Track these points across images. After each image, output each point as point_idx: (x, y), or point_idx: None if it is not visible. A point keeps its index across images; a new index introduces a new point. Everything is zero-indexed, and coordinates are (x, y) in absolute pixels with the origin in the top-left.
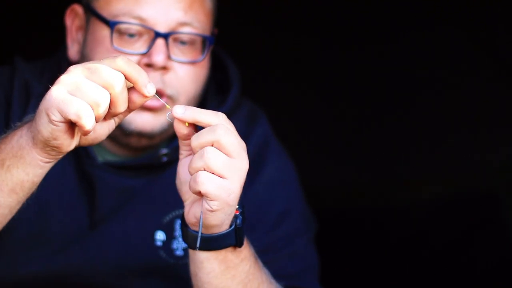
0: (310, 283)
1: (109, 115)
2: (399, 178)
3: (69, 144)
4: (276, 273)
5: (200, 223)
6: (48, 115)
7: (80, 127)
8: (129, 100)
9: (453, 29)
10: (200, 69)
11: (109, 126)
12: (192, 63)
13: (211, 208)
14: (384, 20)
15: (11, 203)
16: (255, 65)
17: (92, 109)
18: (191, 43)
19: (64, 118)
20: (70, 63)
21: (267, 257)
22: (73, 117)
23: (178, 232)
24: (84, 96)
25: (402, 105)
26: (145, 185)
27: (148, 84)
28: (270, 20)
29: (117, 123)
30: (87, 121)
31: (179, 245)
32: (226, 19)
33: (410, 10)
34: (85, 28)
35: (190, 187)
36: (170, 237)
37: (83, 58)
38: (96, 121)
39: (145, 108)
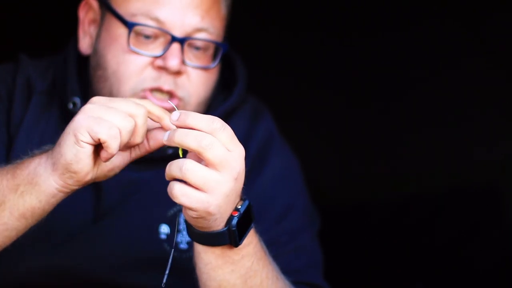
0: (314, 278)
1: (126, 145)
2: (400, 173)
3: (87, 172)
4: (280, 267)
5: (176, 225)
6: (75, 136)
7: (107, 148)
8: (151, 138)
9: (452, 23)
10: (211, 74)
11: (124, 158)
12: (205, 68)
13: (191, 215)
14: (386, 15)
15: (19, 227)
16: (259, 61)
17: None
18: (204, 48)
19: (93, 138)
20: (80, 56)
21: (271, 252)
22: (103, 136)
23: (182, 225)
24: (113, 119)
25: (404, 100)
26: (150, 178)
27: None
28: (275, 17)
29: (132, 159)
30: (114, 143)
31: (183, 238)
32: (232, 16)
33: (410, 4)
34: (99, 23)
35: (169, 194)
36: (174, 230)
37: (96, 52)
38: (120, 147)
39: None
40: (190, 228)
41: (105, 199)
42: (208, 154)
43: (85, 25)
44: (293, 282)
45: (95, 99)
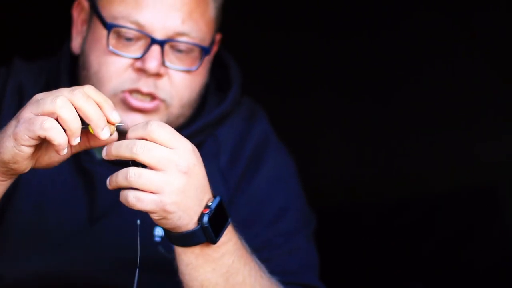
0: (310, 280)
1: None
2: (399, 173)
3: (25, 167)
4: (276, 269)
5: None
6: (15, 140)
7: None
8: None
9: (452, 21)
10: (196, 76)
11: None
12: (187, 71)
13: (154, 218)
14: (380, 12)
15: None
16: (251, 61)
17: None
18: (188, 51)
19: (33, 138)
20: (72, 56)
21: (267, 254)
22: (41, 133)
23: None
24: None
25: (402, 100)
26: None
27: (113, 112)
28: (268, 17)
29: (72, 152)
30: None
31: None
32: (226, 17)
33: (402, 2)
34: (88, 23)
35: (124, 203)
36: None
37: (82, 53)
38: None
39: (135, 110)
40: (166, 232)
41: (99, 202)
42: (143, 157)
43: (78, 25)
44: (289, 283)
45: (35, 97)
